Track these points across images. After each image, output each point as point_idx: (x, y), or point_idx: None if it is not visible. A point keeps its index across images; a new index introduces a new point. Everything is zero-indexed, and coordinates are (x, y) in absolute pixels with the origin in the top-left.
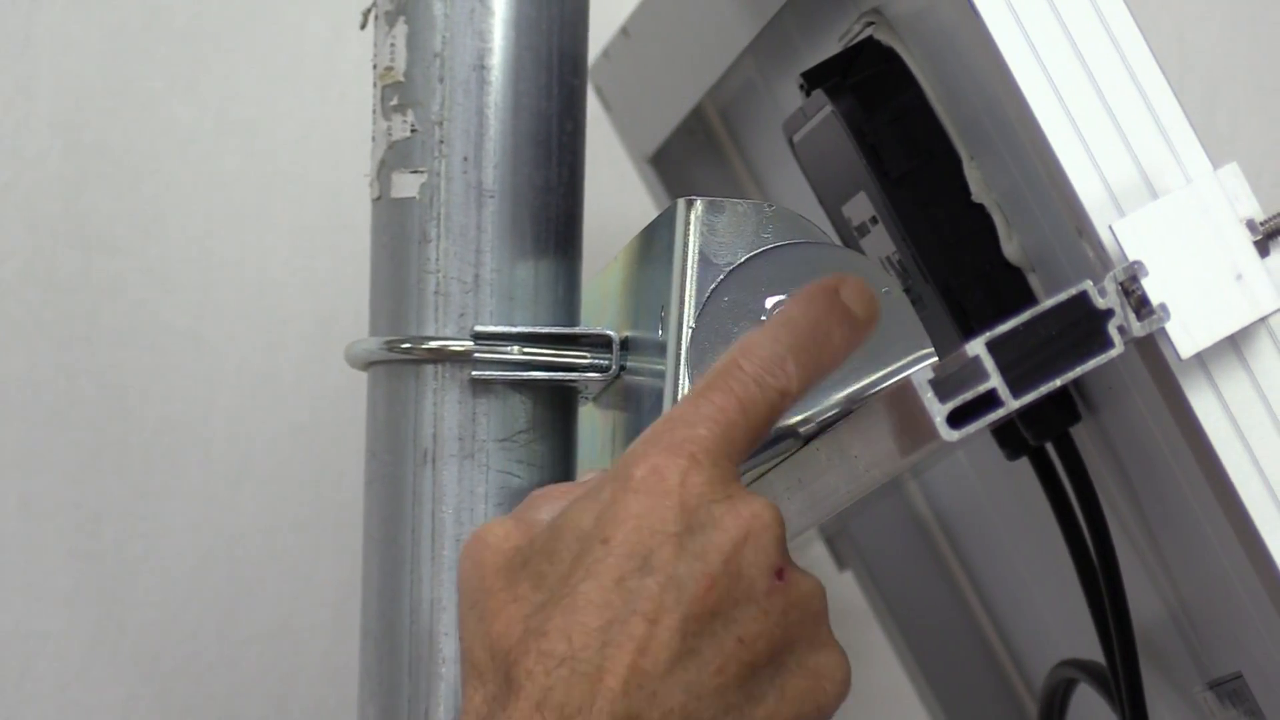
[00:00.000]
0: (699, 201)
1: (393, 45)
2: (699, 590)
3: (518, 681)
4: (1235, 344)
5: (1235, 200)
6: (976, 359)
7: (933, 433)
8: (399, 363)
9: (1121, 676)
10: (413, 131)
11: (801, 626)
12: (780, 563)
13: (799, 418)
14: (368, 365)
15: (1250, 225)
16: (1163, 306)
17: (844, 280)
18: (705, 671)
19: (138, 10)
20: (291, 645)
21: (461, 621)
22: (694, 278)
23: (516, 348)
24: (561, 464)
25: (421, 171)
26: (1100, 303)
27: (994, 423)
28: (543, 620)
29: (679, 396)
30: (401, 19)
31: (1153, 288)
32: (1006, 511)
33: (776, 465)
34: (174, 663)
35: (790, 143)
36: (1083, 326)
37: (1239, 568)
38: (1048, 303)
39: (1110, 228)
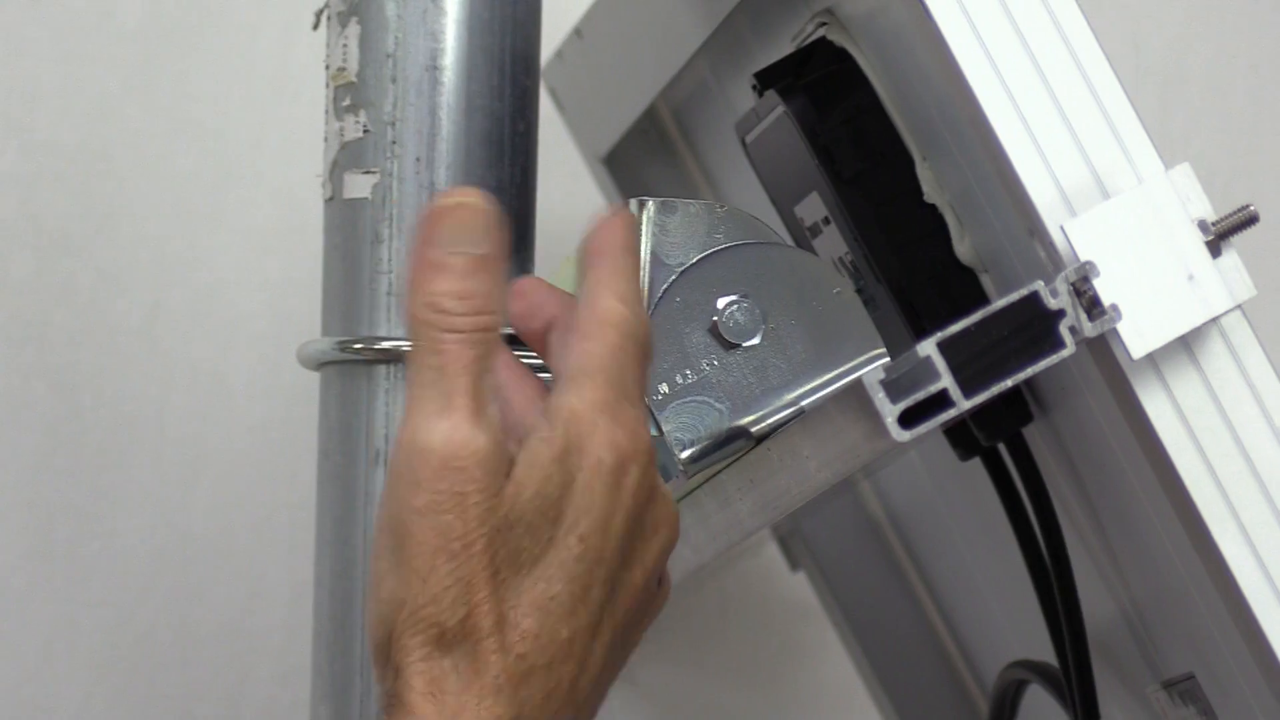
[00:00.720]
0: (651, 202)
1: (345, 46)
2: (628, 603)
3: (483, 660)
4: (1187, 344)
5: (1187, 201)
6: (928, 359)
7: (884, 433)
8: (351, 363)
9: (1074, 676)
10: (365, 132)
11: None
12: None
13: (751, 418)
14: (320, 366)
15: (1202, 226)
16: (1114, 307)
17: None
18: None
19: (90, 11)
20: (245, 645)
21: (428, 565)
22: (646, 278)
23: None
24: None
25: (374, 172)
26: (1052, 303)
27: (945, 423)
28: (519, 617)
29: None
30: (354, 19)
31: (1104, 288)
32: (959, 512)
33: (728, 466)
34: (128, 662)
35: (743, 143)
36: (1034, 327)
37: (1191, 568)
38: (999, 303)
39: (1062, 228)
